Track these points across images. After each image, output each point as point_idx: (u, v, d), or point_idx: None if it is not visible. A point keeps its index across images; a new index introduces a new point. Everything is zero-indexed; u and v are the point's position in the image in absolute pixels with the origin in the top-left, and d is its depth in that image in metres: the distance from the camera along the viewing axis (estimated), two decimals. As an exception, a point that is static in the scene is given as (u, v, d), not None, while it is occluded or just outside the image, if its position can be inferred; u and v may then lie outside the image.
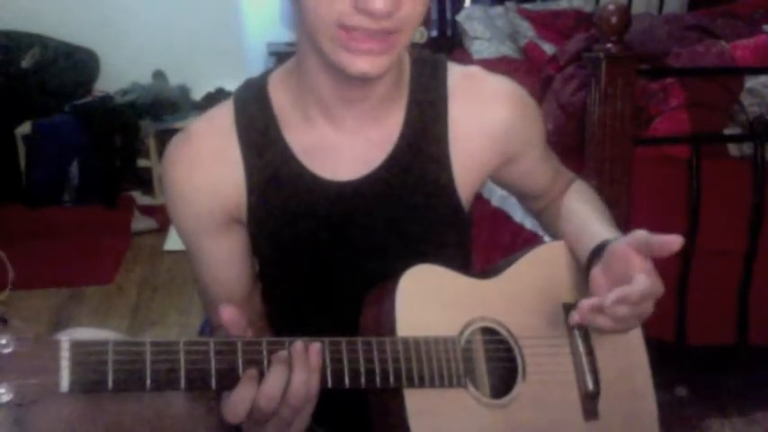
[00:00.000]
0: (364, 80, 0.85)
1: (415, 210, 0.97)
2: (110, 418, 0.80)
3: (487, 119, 0.98)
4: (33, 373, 0.66)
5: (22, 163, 3.70)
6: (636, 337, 1.04)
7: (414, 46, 0.94)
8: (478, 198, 2.26)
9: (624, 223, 1.66)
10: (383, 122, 0.95)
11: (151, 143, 3.77)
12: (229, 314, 0.77)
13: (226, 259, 0.99)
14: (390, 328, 0.86)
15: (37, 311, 2.69)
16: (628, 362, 1.03)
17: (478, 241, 1.15)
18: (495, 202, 2.23)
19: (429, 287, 0.91)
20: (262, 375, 0.75)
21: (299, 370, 0.76)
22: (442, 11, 3.42)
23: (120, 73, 4.00)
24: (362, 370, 0.81)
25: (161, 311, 2.69)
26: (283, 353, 0.77)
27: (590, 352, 0.98)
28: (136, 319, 2.63)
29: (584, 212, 1.06)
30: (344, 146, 0.94)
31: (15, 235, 3.33)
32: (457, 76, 1.00)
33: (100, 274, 3.00)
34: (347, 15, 0.78)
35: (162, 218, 3.44)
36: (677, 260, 1.77)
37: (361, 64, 0.81)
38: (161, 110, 3.84)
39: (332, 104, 0.92)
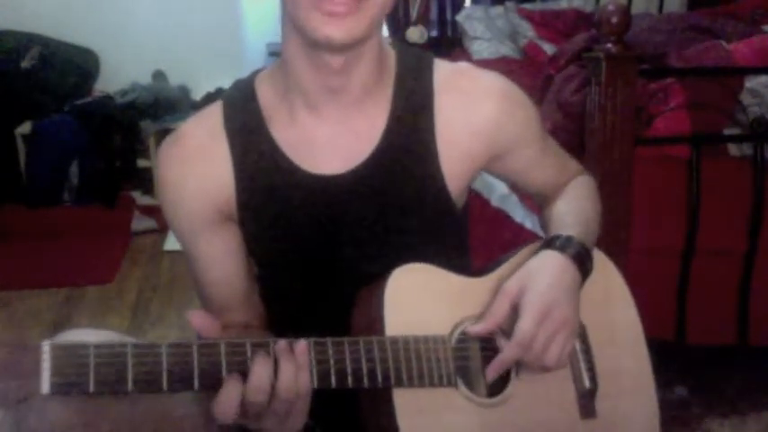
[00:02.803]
0: (335, 49, 0.85)
1: (405, 203, 0.97)
2: (111, 424, 0.80)
3: (474, 113, 0.97)
4: (14, 375, 0.67)
5: (22, 163, 3.70)
6: (636, 333, 1.03)
7: (413, 46, 0.94)
8: (478, 198, 2.26)
9: (624, 223, 1.67)
10: (368, 114, 0.95)
11: (151, 143, 3.76)
12: (198, 320, 0.77)
13: (221, 258, 0.99)
14: (379, 328, 0.86)
15: (37, 311, 2.69)
16: (627, 359, 1.01)
17: (478, 241, 1.14)
18: (495, 202, 2.23)
19: (418, 286, 0.90)
20: (245, 376, 0.75)
21: (285, 363, 0.76)
22: (442, 11, 3.42)
23: (120, 73, 4.00)
24: (349, 370, 0.80)
25: (161, 311, 2.69)
26: (265, 350, 0.77)
27: (587, 349, 0.97)
28: (136, 319, 2.63)
29: (560, 223, 1.02)
30: (329, 139, 0.94)
31: (15, 235, 3.34)
32: (445, 71, 0.99)
33: (100, 274, 3.00)
34: None
35: (162, 218, 3.42)
36: (677, 260, 1.77)
37: (329, 29, 0.82)
38: (161, 110, 3.84)
39: (314, 95, 0.92)
